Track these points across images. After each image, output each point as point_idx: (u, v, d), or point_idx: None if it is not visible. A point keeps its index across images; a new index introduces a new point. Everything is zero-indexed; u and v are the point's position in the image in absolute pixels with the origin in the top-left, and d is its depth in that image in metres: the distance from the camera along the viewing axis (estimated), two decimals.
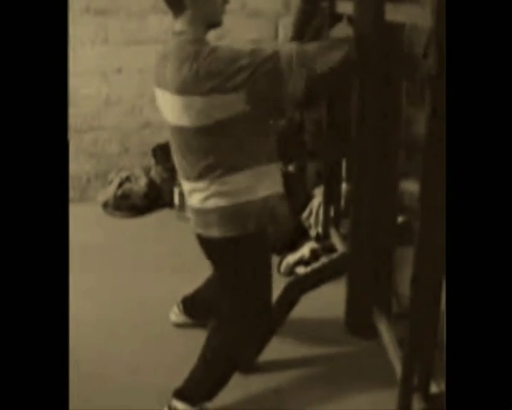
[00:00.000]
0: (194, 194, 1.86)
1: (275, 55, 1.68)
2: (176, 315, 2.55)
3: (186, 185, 1.90)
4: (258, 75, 1.65)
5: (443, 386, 1.79)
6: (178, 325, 2.54)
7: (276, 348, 2.27)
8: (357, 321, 2.47)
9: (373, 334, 2.29)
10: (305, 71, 1.69)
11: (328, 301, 2.62)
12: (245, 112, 1.69)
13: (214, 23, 1.79)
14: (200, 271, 2.31)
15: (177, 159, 1.90)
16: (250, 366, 2.23)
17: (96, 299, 2.81)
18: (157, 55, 1.84)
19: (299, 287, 2.36)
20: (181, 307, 2.53)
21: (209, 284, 2.35)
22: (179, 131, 1.79)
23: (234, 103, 1.68)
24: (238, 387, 2.11)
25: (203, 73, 1.65)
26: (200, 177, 1.80)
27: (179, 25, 1.76)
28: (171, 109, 1.78)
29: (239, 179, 1.79)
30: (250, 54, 1.66)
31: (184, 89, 1.68)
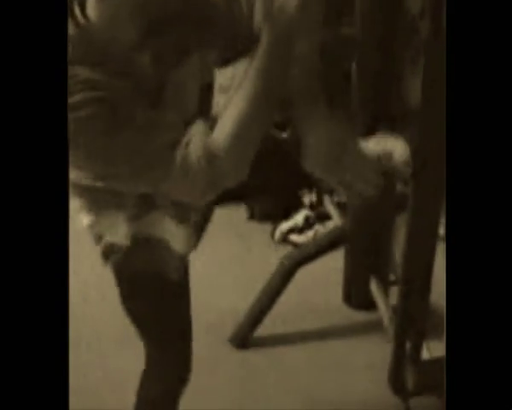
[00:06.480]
0: None
1: None
2: None
3: None
4: None
5: (434, 352, 1.80)
6: None
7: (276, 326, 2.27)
8: (356, 293, 2.45)
9: (372, 305, 2.27)
10: None
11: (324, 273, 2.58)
12: None
13: None
14: None
15: None
16: None
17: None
18: None
19: (294, 260, 2.31)
20: None
21: None
22: None
23: None
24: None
25: None
26: None
27: None
28: None
29: None
30: None
31: None
